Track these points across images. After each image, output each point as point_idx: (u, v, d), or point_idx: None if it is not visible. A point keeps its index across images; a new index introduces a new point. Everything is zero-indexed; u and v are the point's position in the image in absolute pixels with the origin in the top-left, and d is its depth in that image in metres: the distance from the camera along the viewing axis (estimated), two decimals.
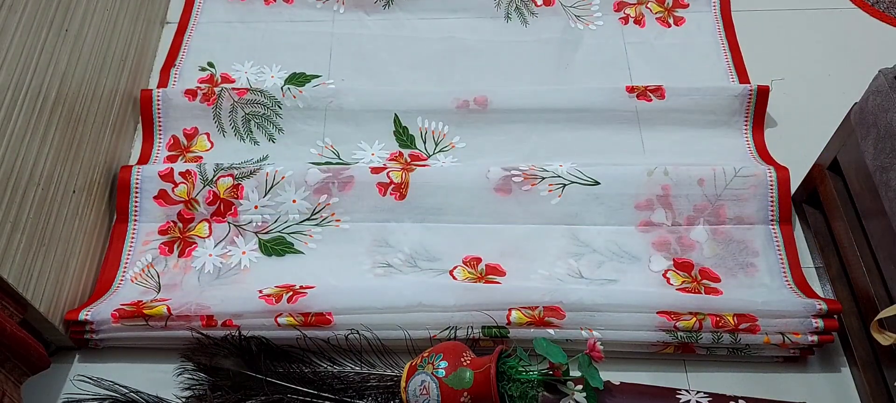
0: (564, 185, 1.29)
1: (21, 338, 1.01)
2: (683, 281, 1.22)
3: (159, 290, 1.23)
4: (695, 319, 1.11)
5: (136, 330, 1.15)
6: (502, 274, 1.24)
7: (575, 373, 1.05)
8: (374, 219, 1.30)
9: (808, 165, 1.26)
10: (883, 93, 1.02)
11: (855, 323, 1.14)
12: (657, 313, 1.12)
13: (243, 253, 1.28)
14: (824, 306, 1.12)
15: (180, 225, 1.31)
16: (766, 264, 1.23)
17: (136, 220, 1.31)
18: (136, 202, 1.31)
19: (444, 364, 1.04)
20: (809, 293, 1.18)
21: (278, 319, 1.14)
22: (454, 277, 1.23)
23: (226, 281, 1.25)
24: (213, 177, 1.31)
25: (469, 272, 1.24)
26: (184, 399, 1.12)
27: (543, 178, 1.29)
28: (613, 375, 1.09)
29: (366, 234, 1.29)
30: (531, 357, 1.09)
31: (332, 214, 1.31)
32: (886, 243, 1.03)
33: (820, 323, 1.11)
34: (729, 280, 1.22)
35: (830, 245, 1.22)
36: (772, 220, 1.27)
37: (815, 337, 1.11)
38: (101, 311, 1.15)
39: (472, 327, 1.13)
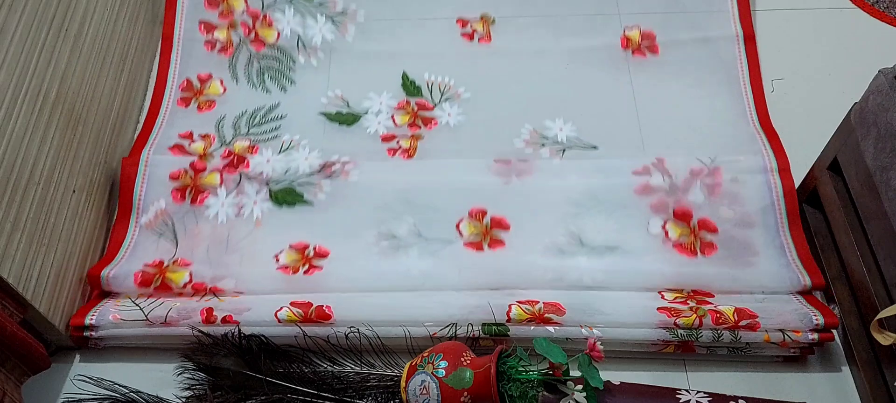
0: (563, 150, 1.34)
1: (21, 338, 1.01)
2: (682, 233, 1.24)
3: (176, 238, 1.27)
4: (695, 316, 1.11)
5: (136, 329, 1.15)
6: (507, 228, 1.26)
7: (575, 373, 1.05)
8: (383, 174, 1.35)
9: (808, 165, 1.26)
10: (883, 92, 1.02)
11: (855, 322, 1.14)
12: (657, 309, 1.13)
13: (255, 203, 1.31)
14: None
15: (192, 173, 1.34)
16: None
17: (146, 166, 1.33)
18: (150, 152, 1.35)
19: (444, 363, 1.04)
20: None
21: (278, 314, 1.14)
22: (460, 232, 1.26)
23: (239, 246, 1.27)
24: (231, 139, 1.38)
25: (474, 225, 1.27)
26: (184, 399, 1.13)
27: (543, 145, 1.34)
28: (613, 375, 1.09)
29: (375, 190, 1.33)
30: (531, 357, 1.09)
31: (343, 167, 1.35)
32: (886, 243, 1.03)
33: (820, 319, 1.11)
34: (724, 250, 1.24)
35: (830, 245, 1.22)
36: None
37: (815, 336, 1.11)
38: (103, 313, 1.16)
39: (472, 325, 1.14)
